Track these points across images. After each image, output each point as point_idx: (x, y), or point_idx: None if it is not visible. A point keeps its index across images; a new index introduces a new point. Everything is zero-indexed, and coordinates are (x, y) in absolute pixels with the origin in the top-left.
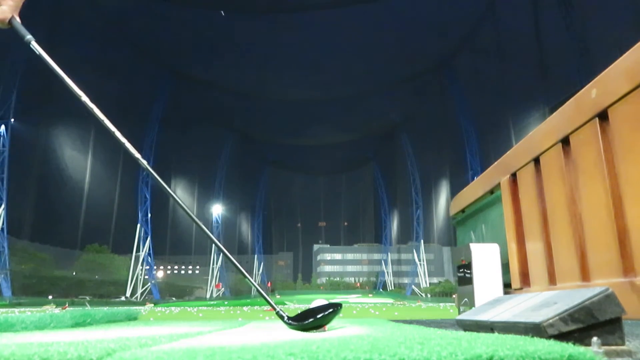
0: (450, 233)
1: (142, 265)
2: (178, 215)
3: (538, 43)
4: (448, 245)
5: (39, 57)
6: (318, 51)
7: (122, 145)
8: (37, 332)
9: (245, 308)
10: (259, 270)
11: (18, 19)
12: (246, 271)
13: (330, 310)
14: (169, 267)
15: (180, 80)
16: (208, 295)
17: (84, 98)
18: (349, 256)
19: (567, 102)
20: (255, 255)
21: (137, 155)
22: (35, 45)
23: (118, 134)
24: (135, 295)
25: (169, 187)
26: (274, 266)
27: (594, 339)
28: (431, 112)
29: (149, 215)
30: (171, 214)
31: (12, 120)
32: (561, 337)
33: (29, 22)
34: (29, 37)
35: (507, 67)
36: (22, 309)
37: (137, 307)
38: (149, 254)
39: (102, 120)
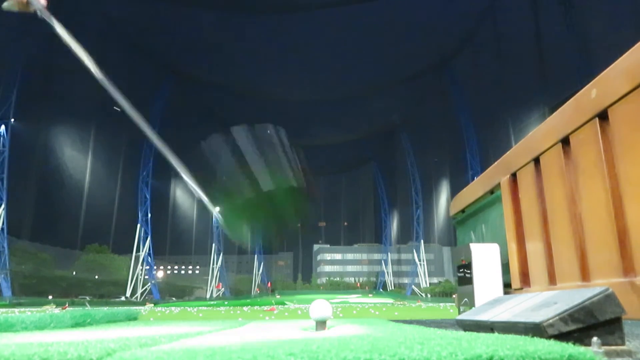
0: (450, 233)
1: (142, 265)
2: (178, 215)
3: (538, 43)
4: (448, 245)
5: (52, 27)
6: (318, 51)
7: (130, 116)
8: (37, 332)
9: (245, 308)
10: (259, 270)
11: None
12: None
13: None
14: (169, 267)
15: (180, 80)
16: (208, 295)
17: (94, 70)
18: (349, 256)
19: (567, 102)
20: (255, 255)
21: (144, 124)
22: (54, 22)
23: (126, 104)
24: (135, 296)
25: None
26: (274, 266)
27: (594, 339)
28: (431, 112)
29: (149, 215)
30: (171, 214)
31: (12, 120)
32: (561, 337)
33: (28, 21)
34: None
35: (507, 67)
36: (22, 309)
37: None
38: (149, 254)
39: (112, 92)
